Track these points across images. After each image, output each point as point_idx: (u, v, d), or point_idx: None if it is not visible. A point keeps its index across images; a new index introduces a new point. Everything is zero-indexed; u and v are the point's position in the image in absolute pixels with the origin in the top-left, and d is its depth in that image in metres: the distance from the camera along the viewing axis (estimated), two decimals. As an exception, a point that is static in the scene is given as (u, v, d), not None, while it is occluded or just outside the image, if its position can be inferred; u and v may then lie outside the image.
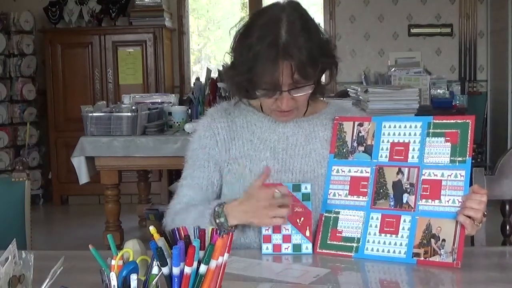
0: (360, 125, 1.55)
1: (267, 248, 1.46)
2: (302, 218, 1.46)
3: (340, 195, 1.50)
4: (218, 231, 0.94)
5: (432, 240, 1.37)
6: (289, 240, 1.46)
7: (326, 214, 1.50)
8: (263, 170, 1.51)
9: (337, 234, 1.46)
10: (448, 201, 1.39)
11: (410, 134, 1.48)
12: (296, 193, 1.48)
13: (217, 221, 1.45)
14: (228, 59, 1.54)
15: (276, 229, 1.46)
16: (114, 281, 0.89)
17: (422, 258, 1.37)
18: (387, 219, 1.43)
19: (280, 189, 1.42)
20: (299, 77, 1.42)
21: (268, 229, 1.46)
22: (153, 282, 0.90)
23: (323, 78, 1.60)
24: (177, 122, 3.73)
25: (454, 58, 5.90)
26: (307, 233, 1.46)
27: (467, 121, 1.44)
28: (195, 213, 1.50)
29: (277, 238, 1.46)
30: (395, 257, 1.39)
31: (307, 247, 1.45)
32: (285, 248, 1.45)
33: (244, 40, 1.46)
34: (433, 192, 1.41)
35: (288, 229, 1.46)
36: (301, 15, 1.47)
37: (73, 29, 5.81)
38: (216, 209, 1.46)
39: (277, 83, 1.42)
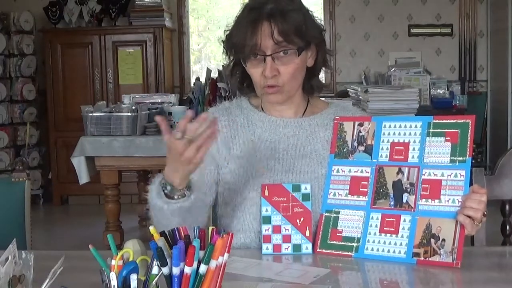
0: (360, 125, 1.55)
1: (267, 248, 1.46)
2: (302, 218, 1.46)
3: (340, 195, 1.50)
4: (218, 232, 0.94)
5: (432, 240, 1.37)
6: (289, 240, 1.46)
7: (326, 214, 1.50)
8: (262, 170, 1.52)
9: (337, 234, 1.46)
10: (448, 201, 1.39)
11: (410, 134, 1.48)
12: (296, 193, 1.48)
13: (165, 191, 1.37)
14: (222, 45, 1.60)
15: (276, 229, 1.46)
16: (114, 281, 0.89)
17: (422, 258, 1.37)
18: (387, 219, 1.43)
19: (178, 132, 1.28)
20: (280, 38, 1.45)
21: (268, 229, 1.47)
22: (153, 282, 0.90)
23: (322, 77, 1.61)
24: (177, 122, 3.72)
25: (454, 58, 5.90)
26: (307, 233, 1.46)
27: (467, 121, 1.44)
28: (156, 186, 1.41)
29: (277, 238, 1.46)
30: (395, 257, 1.39)
31: (307, 247, 1.45)
32: (285, 248, 1.46)
33: (236, 16, 1.54)
34: (433, 192, 1.41)
35: (288, 229, 1.46)
36: None
37: (73, 29, 5.81)
38: (160, 184, 1.39)
39: (256, 43, 1.45)
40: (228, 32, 1.56)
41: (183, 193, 1.37)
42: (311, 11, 1.56)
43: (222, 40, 1.59)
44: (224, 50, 1.59)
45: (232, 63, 1.60)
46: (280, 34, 1.44)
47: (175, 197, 1.37)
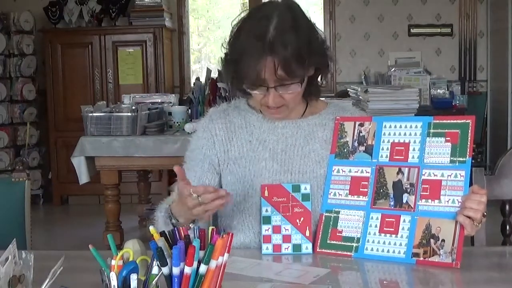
0: (361, 125, 1.55)
1: (267, 248, 1.46)
2: (302, 218, 1.46)
3: (341, 195, 1.50)
4: (219, 231, 0.94)
5: (432, 240, 1.37)
6: (289, 240, 1.46)
7: (326, 214, 1.50)
8: (261, 171, 1.52)
9: (337, 234, 1.46)
10: (447, 201, 1.39)
11: (410, 134, 1.48)
12: (295, 194, 1.48)
13: (173, 221, 1.46)
14: (223, 51, 1.55)
15: (276, 229, 1.46)
16: (114, 281, 0.89)
17: (421, 258, 1.37)
18: (387, 219, 1.43)
19: (196, 190, 1.35)
20: (283, 74, 1.42)
21: (268, 229, 1.47)
22: (153, 282, 0.90)
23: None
24: (177, 122, 3.73)
25: (454, 58, 5.90)
26: (307, 233, 1.46)
27: (467, 121, 1.44)
28: (163, 215, 1.50)
29: (277, 238, 1.46)
30: (395, 257, 1.39)
31: (307, 247, 1.46)
32: (285, 248, 1.46)
33: (236, 34, 1.49)
34: (433, 192, 1.41)
35: (288, 229, 1.46)
36: (294, 13, 1.48)
37: (73, 29, 5.81)
38: (169, 212, 1.48)
39: (261, 78, 1.43)
40: (228, 46, 1.51)
41: (188, 227, 1.42)
42: (316, 32, 1.51)
43: (225, 54, 1.53)
44: (223, 63, 1.55)
45: (231, 77, 1.54)
46: (284, 70, 1.41)
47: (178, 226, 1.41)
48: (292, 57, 1.41)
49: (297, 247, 1.46)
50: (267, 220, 1.47)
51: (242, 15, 1.53)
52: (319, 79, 1.59)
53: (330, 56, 1.54)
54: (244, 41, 1.44)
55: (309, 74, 1.50)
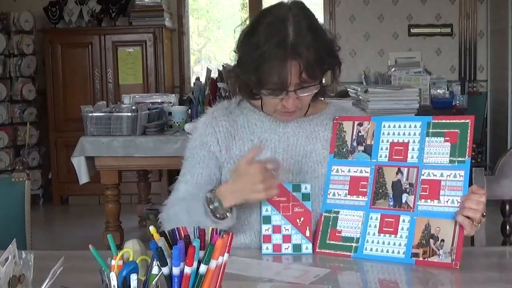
0: (360, 124, 1.55)
1: (267, 248, 1.46)
2: (302, 218, 1.46)
3: (340, 195, 1.50)
4: (218, 232, 0.94)
5: (431, 240, 1.37)
6: (289, 240, 1.46)
7: (326, 214, 1.50)
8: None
9: (337, 234, 1.46)
10: (447, 201, 1.39)
11: (409, 134, 1.48)
12: (296, 193, 1.48)
13: (211, 206, 1.43)
14: (232, 59, 1.53)
15: (276, 229, 1.46)
16: (114, 281, 0.89)
17: (421, 258, 1.37)
18: (386, 219, 1.43)
19: (270, 162, 1.41)
20: (307, 77, 1.42)
21: (268, 229, 1.47)
22: (153, 282, 0.90)
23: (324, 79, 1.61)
24: (177, 122, 3.73)
25: (454, 58, 5.90)
26: (307, 233, 1.46)
27: (467, 121, 1.44)
28: (189, 205, 1.48)
29: (277, 238, 1.46)
30: (394, 257, 1.39)
31: (307, 247, 1.46)
32: (285, 248, 1.46)
33: (250, 39, 1.46)
34: (432, 192, 1.41)
35: (288, 229, 1.46)
36: (307, 15, 1.47)
37: (73, 29, 5.81)
38: (208, 195, 1.44)
39: (285, 82, 1.41)
40: (241, 52, 1.50)
41: (225, 212, 1.44)
42: (327, 32, 1.51)
43: (237, 61, 1.51)
44: (235, 67, 1.53)
45: (244, 85, 1.53)
46: (307, 73, 1.41)
47: (218, 215, 1.43)
48: (315, 59, 1.41)
49: (297, 247, 1.46)
50: (267, 219, 1.47)
51: (248, 22, 1.52)
52: (329, 80, 1.60)
53: (339, 59, 1.55)
54: (264, 47, 1.41)
55: (325, 76, 1.50)
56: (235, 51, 1.53)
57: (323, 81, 1.57)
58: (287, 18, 1.43)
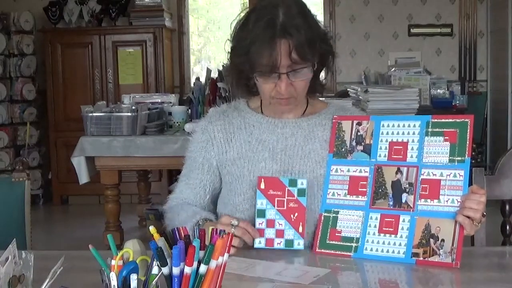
0: (359, 124, 1.54)
1: (259, 242, 1.46)
2: (296, 214, 1.46)
3: (339, 194, 1.50)
4: (218, 232, 0.94)
5: (431, 240, 1.37)
6: (282, 235, 1.46)
7: (325, 214, 1.50)
8: (260, 171, 1.54)
9: (336, 234, 1.46)
10: (447, 201, 1.39)
11: (408, 133, 1.48)
12: (292, 188, 1.47)
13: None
14: (228, 48, 1.55)
15: (270, 223, 1.46)
16: (114, 281, 0.89)
17: (421, 258, 1.37)
18: (386, 219, 1.43)
19: (235, 221, 1.43)
20: (297, 57, 1.43)
21: (262, 223, 1.46)
22: (153, 282, 0.90)
23: (322, 76, 1.61)
24: (177, 122, 3.73)
25: (454, 58, 5.90)
26: (300, 229, 1.46)
27: (466, 120, 1.44)
28: (183, 216, 1.55)
29: (270, 233, 1.46)
30: (394, 257, 1.39)
31: (299, 243, 1.45)
32: (278, 243, 1.45)
33: (243, 27, 1.50)
34: (432, 192, 1.41)
35: (281, 224, 1.46)
36: (299, 3, 1.50)
37: (73, 29, 5.81)
38: (200, 222, 1.49)
39: (275, 63, 1.43)
40: (234, 40, 1.52)
41: None
42: (320, 23, 1.53)
43: (231, 49, 1.54)
44: (229, 57, 1.56)
45: (237, 72, 1.55)
46: (298, 53, 1.42)
47: None
48: (305, 39, 1.42)
49: (289, 243, 1.46)
50: (261, 213, 1.47)
51: (242, 14, 1.54)
52: (322, 73, 1.60)
53: (333, 48, 1.56)
54: (254, 29, 1.44)
55: (317, 60, 1.50)
56: (229, 40, 1.55)
57: (321, 77, 1.59)
58: (278, 4, 1.46)
